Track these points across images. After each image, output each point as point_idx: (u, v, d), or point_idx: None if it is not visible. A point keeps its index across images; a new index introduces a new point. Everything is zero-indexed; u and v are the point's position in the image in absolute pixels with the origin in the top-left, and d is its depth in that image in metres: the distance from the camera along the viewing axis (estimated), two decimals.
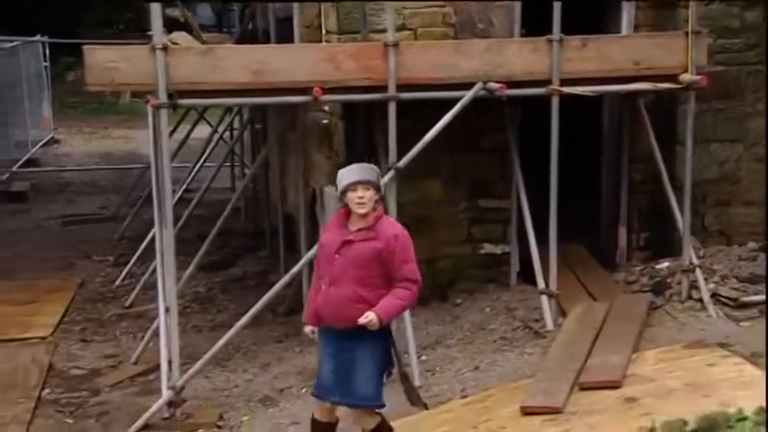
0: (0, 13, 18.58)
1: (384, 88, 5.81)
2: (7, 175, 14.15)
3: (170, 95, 5.50)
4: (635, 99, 6.51)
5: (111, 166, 15.58)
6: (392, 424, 4.99)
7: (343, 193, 4.10)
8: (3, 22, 18.08)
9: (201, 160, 10.08)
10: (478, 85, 5.79)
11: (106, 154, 17.38)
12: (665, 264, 6.47)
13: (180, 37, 6.68)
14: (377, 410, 4.24)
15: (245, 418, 5.75)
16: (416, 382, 5.63)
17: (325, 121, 7.57)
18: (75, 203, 13.15)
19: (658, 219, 6.89)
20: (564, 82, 5.91)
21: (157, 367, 6.68)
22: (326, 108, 7.27)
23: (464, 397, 5.27)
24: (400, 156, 5.85)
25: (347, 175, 4.12)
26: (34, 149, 16.47)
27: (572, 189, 6.44)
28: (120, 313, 8.09)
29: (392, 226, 4.18)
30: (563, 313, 6.07)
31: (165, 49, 5.41)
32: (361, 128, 6.71)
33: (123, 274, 9.04)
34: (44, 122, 18.55)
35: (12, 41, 15.56)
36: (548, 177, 5.99)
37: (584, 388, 4.84)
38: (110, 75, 5.46)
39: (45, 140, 17.56)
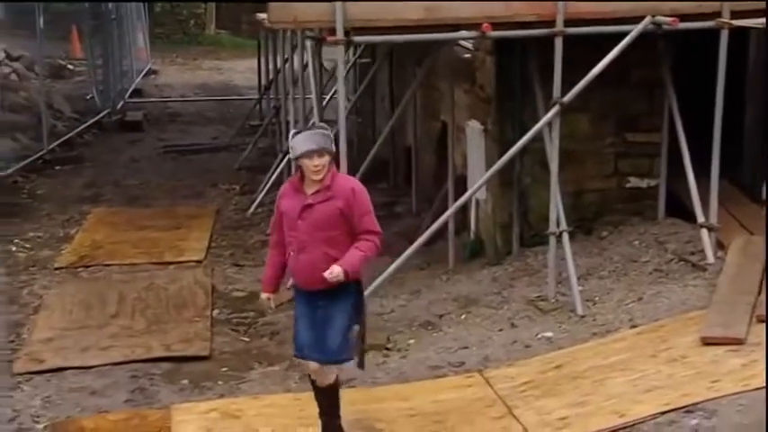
0: None
1: (549, 23, 5.88)
2: (121, 103, 14.59)
3: (346, 33, 5.67)
4: None
5: (215, 97, 15.91)
6: (556, 354, 5.23)
7: (298, 159, 4.22)
8: None
9: (330, 95, 10.31)
10: (648, 19, 5.81)
11: (203, 85, 17.70)
12: None
13: None
14: (340, 367, 4.37)
15: (412, 341, 6.05)
16: (579, 311, 5.87)
17: (466, 56, 7.65)
18: (188, 133, 13.55)
19: None
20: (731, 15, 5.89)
21: None
22: (468, 43, 7.34)
23: (633, 327, 5.45)
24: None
25: (301, 143, 4.19)
26: (137, 79, 16.89)
27: (708, 122, 6.44)
28: (263, 240, 8.43)
29: (347, 181, 4.36)
30: (720, 247, 6.17)
31: None
32: (513, 63, 6.79)
33: (256, 202, 9.41)
34: (140, 53, 18.90)
35: None
36: (688, 111, 5.95)
37: (762, 321, 4.97)
38: (291, 12, 5.64)
39: (145, 71, 17.94)
